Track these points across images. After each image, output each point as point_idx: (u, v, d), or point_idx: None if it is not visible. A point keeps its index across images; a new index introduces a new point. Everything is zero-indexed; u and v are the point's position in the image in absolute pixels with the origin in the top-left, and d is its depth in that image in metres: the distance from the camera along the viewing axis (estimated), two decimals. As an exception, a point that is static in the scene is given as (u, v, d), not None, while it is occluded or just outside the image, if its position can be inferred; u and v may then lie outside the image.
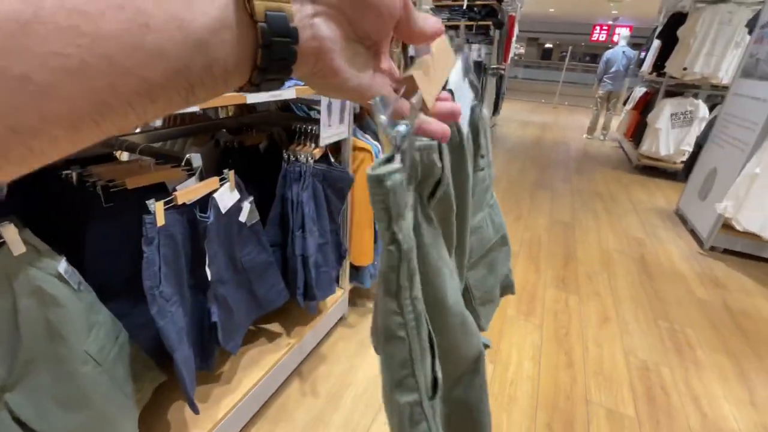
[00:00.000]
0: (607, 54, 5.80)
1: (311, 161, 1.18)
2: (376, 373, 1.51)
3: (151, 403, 1.10)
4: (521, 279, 2.23)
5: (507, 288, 0.77)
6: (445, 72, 0.34)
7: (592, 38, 12.36)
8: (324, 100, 1.17)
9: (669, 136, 4.25)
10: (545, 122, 7.89)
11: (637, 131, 4.88)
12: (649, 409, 1.45)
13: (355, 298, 1.90)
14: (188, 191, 0.84)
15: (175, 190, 0.87)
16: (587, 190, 3.85)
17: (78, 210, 0.91)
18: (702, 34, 3.77)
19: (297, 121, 1.29)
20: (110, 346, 0.84)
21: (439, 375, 0.37)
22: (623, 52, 5.65)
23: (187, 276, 0.96)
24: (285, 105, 1.79)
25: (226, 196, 0.96)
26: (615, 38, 6.14)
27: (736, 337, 1.86)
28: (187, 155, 0.85)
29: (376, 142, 1.54)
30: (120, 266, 0.92)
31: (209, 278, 0.97)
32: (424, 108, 0.29)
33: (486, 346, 0.60)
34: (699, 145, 3.24)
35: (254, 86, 0.22)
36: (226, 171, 0.96)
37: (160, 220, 0.79)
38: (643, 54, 5.45)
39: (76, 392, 0.78)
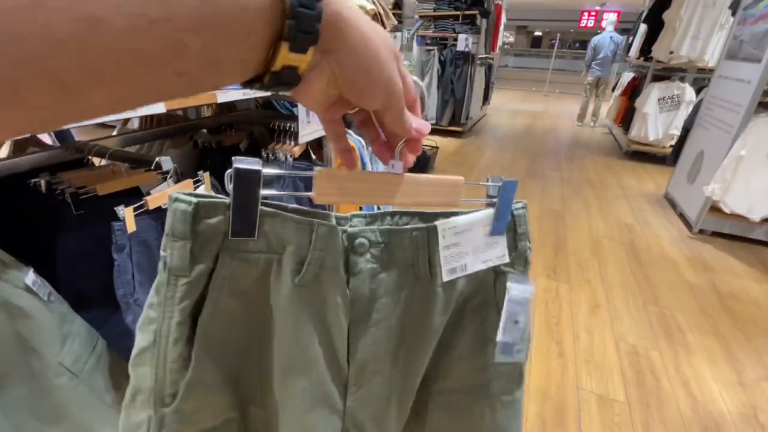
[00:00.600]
0: (595, 40, 5.79)
1: (290, 159, 1.16)
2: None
3: (137, 410, 1.09)
4: (512, 269, 2.23)
5: None
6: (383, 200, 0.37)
7: (581, 24, 12.32)
8: (301, 97, 1.14)
9: (657, 121, 4.26)
10: (536, 111, 7.89)
11: (626, 117, 4.89)
12: (639, 393, 1.46)
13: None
14: (160, 196, 0.82)
15: (149, 194, 0.85)
16: (578, 178, 3.86)
17: (48, 219, 0.88)
18: (687, 18, 3.76)
19: (277, 119, 1.26)
20: (86, 357, 0.82)
21: None
22: (610, 37, 5.64)
23: (166, 281, 0.94)
24: (267, 102, 1.76)
25: (202, 198, 0.94)
26: (603, 24, 6.11)
27: (725, 320, 1.88)
28: (157, 158, 0.83)
29: (359, 138, 1.52)
30: (95, 275, 0.90)
31: (188, 283, 0.95)
32: None
33: None
34: (686, 129, 3.25)
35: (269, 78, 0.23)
36: (200, 173, 0.94)
37: (131, 227, 0.77)
38: (631, 39, 5.45)
39: (53, 405, 0.76)
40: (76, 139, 1.36)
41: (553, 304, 1.95)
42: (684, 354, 1.66)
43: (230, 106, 1.52)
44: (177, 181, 0.92)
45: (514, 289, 0.42)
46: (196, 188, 0.92)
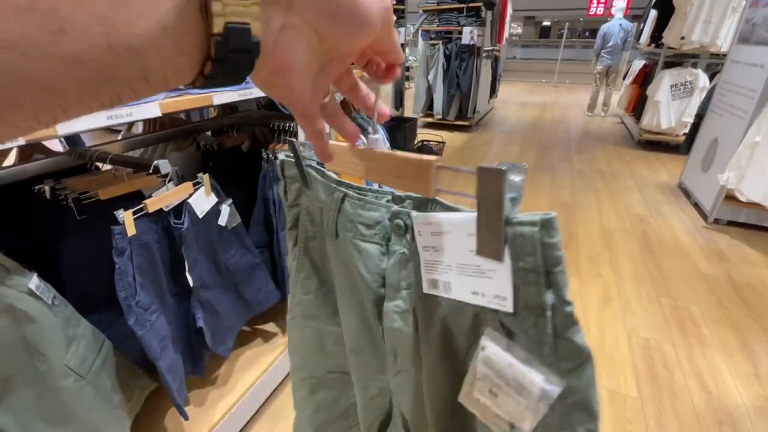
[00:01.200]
0: (604, 28, 5.67)
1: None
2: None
3: (147, 409, 1.11)
4: (520, 264, 2.21)
5: None
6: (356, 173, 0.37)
7: (590, 12, 12.07)
8: (298, 96, 1.14)
9: (669, 108, 4.16)
10: (545, 102, 7.77)
11: (638, 105, 4.78)
12: (652, 388, 1.43)
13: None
14: (159, 199, 0.83)
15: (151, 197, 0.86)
16: (588, 169, 3.79)
17: (53, 224, 0.90)
18: (698, 2, 3.65)
19: (278, 119, 1.27)
20: (92, 358, 0.84)
21: None
22: (620, 24, 5.52)
23: (169, 284, 0.96)
24: (269, 103, 1.77)
25: (202, 200, 0.95)
26: (612, 11, 5.98)
27: (741, 311, 1.83)
28: (155, 161, 0.84)
29: (361, 136, 1.51)
30: (99, 278, 0.92)
31: (191, 284, 0.96)
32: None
33: None
34: (700, 116, 3.16)
35: (196, 87, 0.20)
36: (200, 175, 0.94)
37: (131, 230, 0.78)
38: (641, 26, 5.32)
39: (61, 406, 0.78)
40: (87, 144, 1.38)
41: (563, 298, 1.92)
42: (698, 346, 1.62)
43: (232, 107, 1.53)
44: (177, 184, 0.93)
45: (494, 356, 0.28)
46: (195, 190, 0.92)
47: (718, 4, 3.60)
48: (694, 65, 4.11)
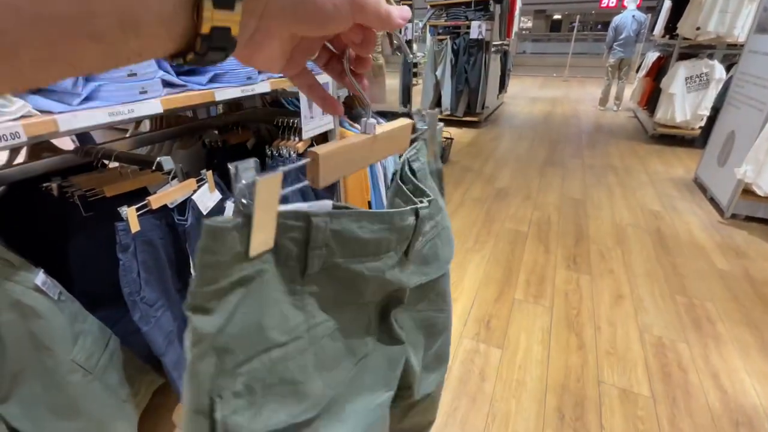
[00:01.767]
0: (616, 20, 5.55)
1: (294, 155, 1.15)
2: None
3: (154, 404, 1.12)
4: (530, 260, 2.18)
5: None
6: (366, 161, 0.38)
7: (602, 4, 11.85)
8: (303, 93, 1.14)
9: (685, 101, 4.06)
10: (555, 97, 7.65)
11: (652, 99, 4.68)
12: (665, 387, 1.40)
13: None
14: (162, 195, 0.83)
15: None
16: (600, 165, 3.72)
17: (59, 221, 0.91)
18: (715, -10, 3.55)
19: (282, 116, 1.26)
20: (99, 353, 0.85)
21: None
22: (633, 16, 5.39)
23: (175, 279, 0.96)
24: (275, 100, 1.77)
25: (206, 197, 0.95)
26: (625, 2, 5.85)
27: (759, 308, 1.78)
28: (159, 158, 0.84)
29: (357, 125, 1.50)
30: (106, 275, 0.92)
31: (196, 280, 0.96)
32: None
33: None
34: (716, 109, 3.08)
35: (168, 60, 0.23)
36: (203, 172, 0.94)
37: (135, 227, 0.78)
38: (655, 17, 5.19)
39: (68, 400, 0.79)
40: (97, 142, 1.40)
41: (574, 296, 1.89)
42: (714, 345, 1.58)
43: (237, 104, 1.54)
44: (182, 181, 0.93)
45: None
46: (199, 187, 0.92)
47: (736, -7, 3.50)
48: (710, 56, 4.00)
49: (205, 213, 0.95)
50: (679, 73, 3.97)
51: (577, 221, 2.62)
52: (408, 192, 0.45)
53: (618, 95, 6.05)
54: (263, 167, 1.20)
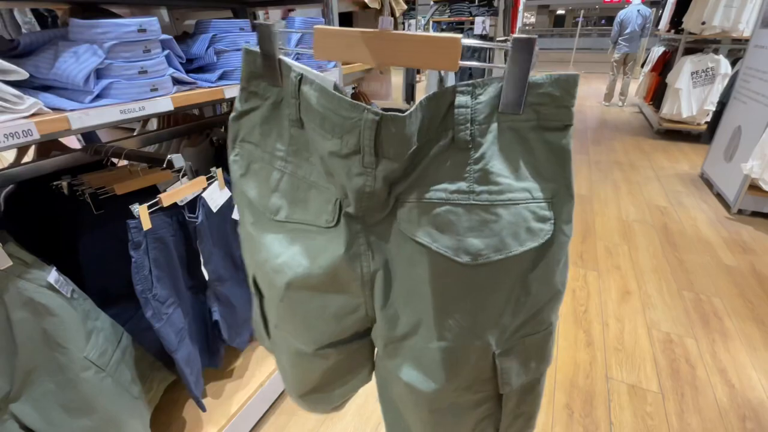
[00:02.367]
0: (621, 14, 5.50)
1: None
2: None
3: (166, 401, 1.13)
4: (536, 257, 2.17)
5: None
6: (377, 58, 0.40)
7: None
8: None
9: (690, 96, 4.03)
10: (559, 93, 7.61)
11: (657, 94, 4.65)
12: (674, 383, 1.40)
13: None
14: (173, 193, 0.83)
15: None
16: (605, 161, 3.71)
17: (70, 219, 0.92)
18: (721, -16, 3.51)
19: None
20: (112, 351, 0.85)
21: None
22: (638, 11, 5.35)
23: (186, 277, 0.96)
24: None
25: (216, 194, 0.95)
26: (630, -3, 5.80)
27: (766, 304, 1.77)
28: (168, 156, 0.84)
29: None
30: (118, 272, 0.93)
31: (207, 278, 0.97)
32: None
33: None
34: (722, 104, 3.05)
35: None
36: (213, 169, 0.95)
37: (146, 224, 0.79)
38: (660, 11, 5.15)
39: (81, 398, 0.79)
40: (103, 141, 1.40)
41: (581, 292, 1.89)
42: (721, 341, 1.58)
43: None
44: (191, 178, 0.93)
45: None
46: (209, 184, 0.93)
47: (742, -13, 3.46)
48: (716, 51, 3.97)
49: (215, 210, 0.95)
50: (685, 68, 3.95)
51: (583, 217, 2.61)
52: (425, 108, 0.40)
53: (623, 91, 6.01)
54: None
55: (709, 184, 3.02)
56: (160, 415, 1.10)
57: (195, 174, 0.94)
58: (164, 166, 0.84)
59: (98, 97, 0.71)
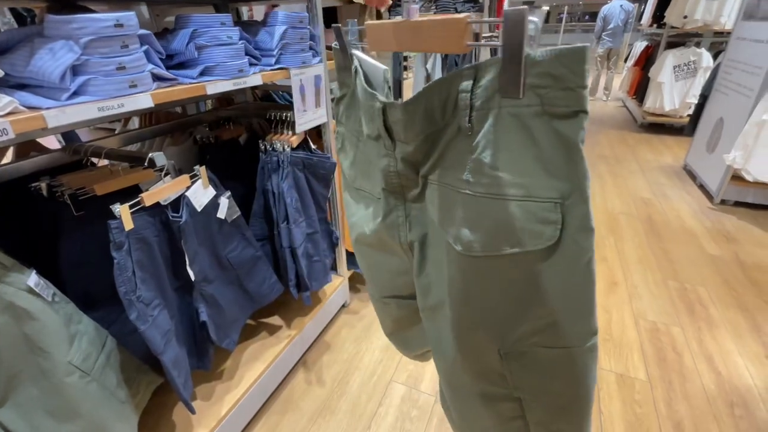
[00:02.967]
0: (604, 10, 5.56)
1: (288, 150, 1.14)
2: (381, 357, 1.51)
3: (155, 404, 1.11)
4: (525, 250, 2.19)
5: None
6: (409, 45, 0.44)
7: (589, -5, 11.87)
8: (295, 86, 1.12)
9: (673, 90, 4.09)
10: (545, 88, 7.68)
11: (640, 88, 4.72)
12: (661, 371, 1.42)
13: (356, 283, 1.89)
14: (155, 192, 0.81)
15: (147, 191, 0.85)
16: (591, 154, 3.75)
17: (50, 221, 0.89)
18: (701, -22, 3.57)
19: (274, 110, 1.25)
20: (96, 354, 0.83)
21: None
22: (620, 6, 5.41)
23: (171, 278, 0.95)
24: (266, 94, 1.75)
25: (200, 193, 0.94)
26: (612, -8, 5.86)
27: (750, 292, 1.81)
28: (150, 155, 0.82)
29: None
30: (100, 274, 0.91)
31: (192, 278, 0.95)
32: None
33: None
34: (704, 96, 3.11)
35: None
36: (196, 167, 0.93)
37: (128, 224, 0.77)
38: (642, 6, 5.22)
39: (66, 403, 0.78)
40: (84, 140, 1.37)
41: (569, 284, 1.90)
42: (707, 329, 1.61)
43: (228, 99, 1.51)
44: (174, 177, 0.91)
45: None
46: (192, 183, 0.91)
47: (722, -19, 3.53)
48: (698, 44, 4.04)
49: (199, 209, 0.93)
50: (667, 62, 4.01)
51: (570, 211, 2.64)
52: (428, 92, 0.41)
53: (607, 85, 6.08)
54: (257, 161, 1.19)
55: (692, 176, 3.08)
56: (148, 419, 1.08)
57: (179, 173, 0.93)
58: (146, 164, 0.82)
59: (75, 94, 0.69)
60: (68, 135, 1.61)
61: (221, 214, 1.01)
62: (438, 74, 4.86)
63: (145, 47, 0.78)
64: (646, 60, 4.74)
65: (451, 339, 0.50)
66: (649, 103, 4.27)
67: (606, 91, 6.14)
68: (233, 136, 1.31)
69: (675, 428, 1.22)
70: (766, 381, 1.36)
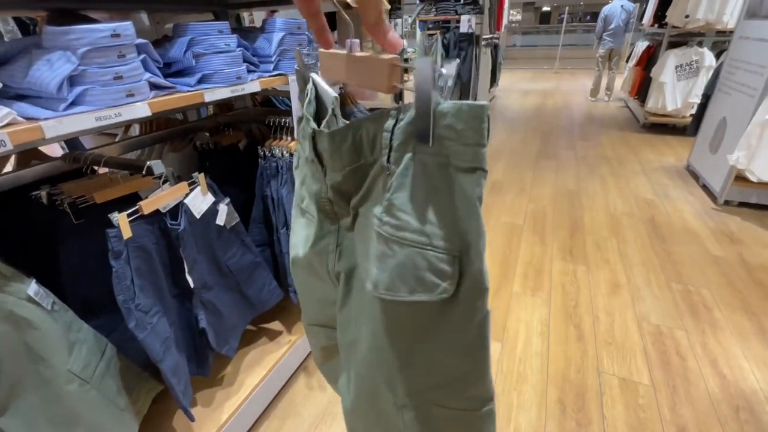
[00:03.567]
0: (605, 10, 5.56)
1: (287, 155, 1.14)
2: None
3: (155, 411, 1.11)
4: (526, 254, 2.18)
5: None
6: (346, 76, 0.43)
7: (591, -4, 11.85)
8: (293, 91, 1.12)
9: (675, 90, 4.07)
10: (546, 89, 7.67)
11: (642, 88, 4.70)
12: (665, 375, 1.41)
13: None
14: (153, 200, 0.82)
15: (145, 199, 0.85)
16: (593, 156, 3.74)
17: (50, 229, 0.90)
18: (703, -22, 3.56)
19: (274, 115, 1.25)
20: (96, 363, 0.83)
21: None
22: (621, 6, 5.41)
23: (170, 285, 0.95)
24: (266, 99, 1.75)
25: (199, 200, 0.94)
26: (613, -8, 5.85)
27: (755, 294, 1.79)
28: (148, 163, 0.82)
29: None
30: (100, 282, 0.91)
31: (192, 285, 0.95)
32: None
33: None
34: (707, 96, 3.09)
35: None
36: (195, 174, 0.93)
37: (126, 233, 0.77)
38: (644, 6, 5.21)
39: (66, 411, 0.78)
40: (87, 147, 1.38)
41: (571, 287, 1.90)
42: (711, 332, 1.59)
43: (228, 105, 1.52)
44: (173, 184, 0.91)
45: None
46: (191, 190, 0.91)
47: (723, -20, 3.51)
48: (700, 44, 4.02)
49: (198, 216, 0.94)
50: (669, 62, 3.99)
51: (572, 213, 2.63)
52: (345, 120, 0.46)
53: (609, 86, 6.07)
54: (256, 167, 1.19)
55: (696, 176, 3.06)
56: (148, 426, 1.08)
57: (177, 180, 0.93)
58: (144, 172, 0.83)
59: (73, 104, 0.70)
60: (71, 141, 1.63)
61: (220, 220, 1.01)
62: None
63: (142, 56, 0.78)
64: (648, 60, 4.72)
65: (354, 381, 0.49)
66: (651, 103, 4.25)
67: (608, 91, 6.13)
68: (233, 142, 1.31)
69: (679, 433, 1.21)
70: (772, 384, 1.35)
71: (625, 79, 5.58)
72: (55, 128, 0.66)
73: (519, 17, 15.11)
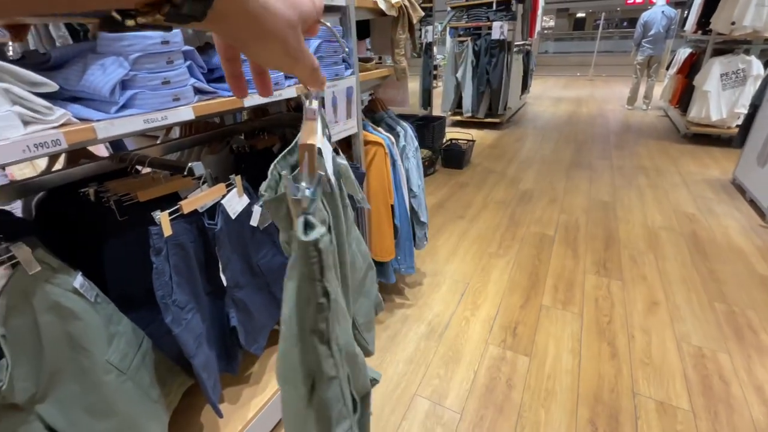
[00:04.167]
0: (644, 16, 5.38)
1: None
2: (405, 370, 1.49)
3: (184, 405, 1.14)
4: (557, 266, 2.12)
5: (378, 306, 0.85)
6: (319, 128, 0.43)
7: (628, 1, 11.52)
8: (328, 98, 1.14)
9: (720, 99, 3.88)
10: (580, 96, 7.47)
11: (684, 97, 4.50)
12: (706, 400, 1.33)
13: (381, 293, 1.88)
14: (193, 200, 0.84)
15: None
16: (629, 166, 3.60)
17: (96, 225, 0.94)
18: (752, -18, 3.39)
19: (307, 120, 1.27)
20: (132, 355, 0.86)
21: (357, 397, 0.52)
22: (662, 12, 5.22)
23: (204, 283, 0.98)
24: (299, 104, 1.79)
25: (235, 201, 0.96)
26: (653, -2, 5.67)
27: (808, 317, 1.67)
28: (190, 164, 0.85)
29: (388, 135, 1.50)
30: (140, 277, 0.94)
31: (225, 284, 0.98)
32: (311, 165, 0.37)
33: (374, 381, 0.70)
34: (755, 106, 2.93)
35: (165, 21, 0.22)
36: (232, 176, 0.96)
37: (167, 231, 0.80)
38: (686, 12, 5.01)
39: (103, 400, 0.81)
40: (130, 149, 1.45)
41: (604, 302, 1.82)
42: (757, 356, 1.49)
43: (263, 110, 1.56)
44: (211, 185, 0.94)
45: None
46: (228, 191, 0.94)
47: (776, -15, 3.33)
48: (747, 52, 3.82)
49: (233, 217, 0.96)
50: (714, 70, 3.81)
51: (606, 224, 2.54)
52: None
53: (647, 94, 5.85)
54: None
55: (742, 191, 2.89)
56: (178, 419, 1.11)
57: (215, 181, 0.96)
58: (185, 173, 0.86)
59: (123, 107, 0.73)
60: (115, 142, 1.71)
61: (254, 221, 1.03)
62: (468, 83, 4.83)
63: (188, 62, 0.81)
64: (691, 68, 4.53)
65: None
66: (694, 112, 4.06)
67: (646, 99, 5.91)
68: (267, 146, 1.34)
69: (721, 463, 1.14)
70: (828, 417, 1.24)
71: (665, 88, 5.36)
72: (107, 129, 0.69)
73: (552, 23, 14.84)
